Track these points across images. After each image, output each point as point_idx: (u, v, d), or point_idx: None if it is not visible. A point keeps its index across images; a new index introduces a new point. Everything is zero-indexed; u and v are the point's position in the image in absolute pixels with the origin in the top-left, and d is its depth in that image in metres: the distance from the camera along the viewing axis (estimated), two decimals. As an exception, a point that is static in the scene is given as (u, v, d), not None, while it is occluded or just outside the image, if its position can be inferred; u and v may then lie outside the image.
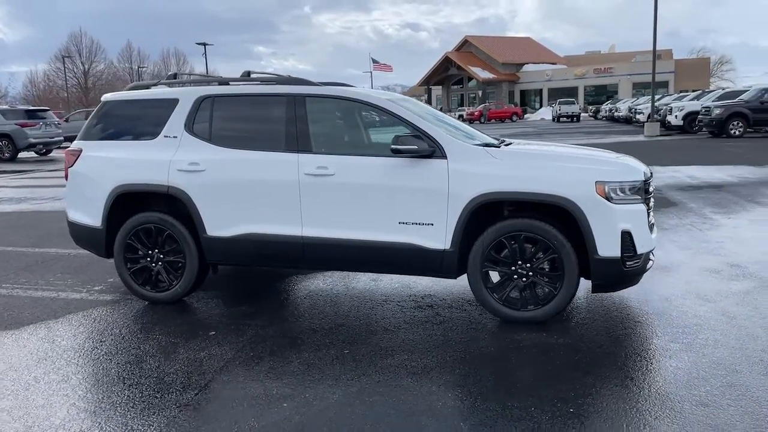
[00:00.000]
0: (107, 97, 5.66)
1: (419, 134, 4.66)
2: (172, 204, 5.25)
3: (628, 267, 4.39)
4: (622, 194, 4.38)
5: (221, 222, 5.04)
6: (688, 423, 3.11)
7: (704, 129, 25.20)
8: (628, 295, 5.06)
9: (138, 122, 5.48)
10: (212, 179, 5.02)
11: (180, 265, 5.23)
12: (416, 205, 4.63)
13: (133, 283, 5.34)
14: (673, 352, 3.96)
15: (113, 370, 3.97)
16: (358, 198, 4.75)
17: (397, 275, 5.76)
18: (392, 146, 4.60)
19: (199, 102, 5.24)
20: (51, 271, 6.54)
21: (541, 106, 69.74)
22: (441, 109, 74.91)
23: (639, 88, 65.36)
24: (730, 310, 4.68)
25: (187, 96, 5.30)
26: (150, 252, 5.29)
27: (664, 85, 65.79)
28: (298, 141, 4.93)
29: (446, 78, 76.81)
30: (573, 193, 4.34)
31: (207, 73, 59.76)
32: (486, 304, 4.64)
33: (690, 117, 27.71)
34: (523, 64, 73.54)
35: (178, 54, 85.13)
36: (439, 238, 4.60)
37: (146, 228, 5.24)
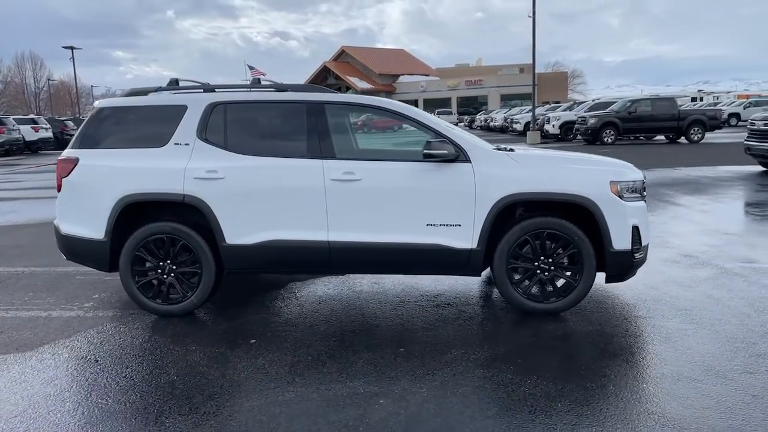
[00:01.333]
0: (103, 103, 5.42)
1: (444, 139, 4.91)
2: (187, 213, 5.12)
3: (636, 258, 4.90)
4: (630, 193, 4.88)
5: (242, 230, 5.00)
6: (744, 388, 3.58)
7: (580, 137, 27.34)
8: (619, 285, 5.57)
9: (142, 129, 5.31)
10: (232, 187, 4.97)
11: (195, 275, 5.10)
12: (444, 207, 4.87)
13: (142, 297, 5.15)
14: (692, 331, 4.49)
15: (181, 382, 3.87)
16: (386, 202, 4.91)
17: (393, 276, 5.96)
18: (425, 151, 4.82)
19: (211, 109, 5.16)
20: (18, 290, 6.09)
21: (417, 116, 71.77)
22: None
23: (506, 100, 69.27)
24: (712, 294, 5.32)
25: (196, 103, 5.21)
26: (161, 263, 5.12)
27: (529, 97, 70.11)
28: (321, 147, 5.00)
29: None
30: (592, 192, 4.78)
31: (75, 77, 56.08)
32: (511, 299, 4.96)
33: (566, 126, 30.01)
34: (399, 75, 75.58)
35: (35, 58, 79.14)
36: (467, 237, 4.87)
37: (158, 239, 5.08)
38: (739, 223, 8.53)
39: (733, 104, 44.45)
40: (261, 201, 4.98)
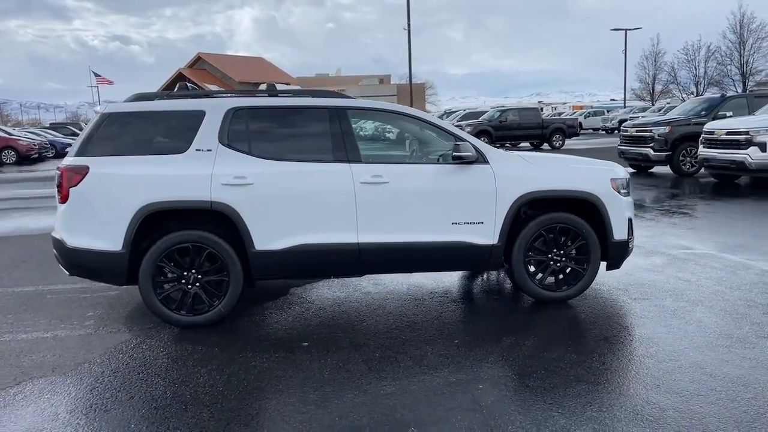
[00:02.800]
0: (111, 108, 5.15)
1: (467, 142, 5.24)
2: (212, 220, 5.02)
3: (630, 247, 5.52)
4: (623, 189, 5.49)
5: (272, 235, 5.00)
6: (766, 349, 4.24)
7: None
8: (601, 272, 6.17)
9: (157, 135, 5.13)
10: (262, 192, 4.96)
11: (221, 284, 5.02)
12: (468, 206, 5.19)
13: (164, 310, 4.97)
14: (690, 308, 5.15)
15: (279, 383, 3.86)
16: (413, 203, 5.15)
17: (393, 276, 6.20)
18: (454, 153, 5.13)
19: (231, 114, 5.11)
20: (-7, 312, 5.58)
21: (279, 125, 71.40)
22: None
23: (368, 109, 70.63)
24: (680, 276, 6.09)
25: (214, 108, 5.13)
26: (186, 273, 4.98)
27: (390, 106, 72.24)
28: (347, 151, 5.14)
29: (180, 96, 74.33)
30: (596, 189, 5.33)
31: None
32: (528, 290, 5.38)
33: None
34: (260, 84, 74.54)
35: None
36: (489, 234, 5.23)
37: (182, 248, 4.94)
38: (648, 217, 9.61)
39: (575, 114, 48.80)
40: (291, 206, 5.01)
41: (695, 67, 56.99)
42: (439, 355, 4.32)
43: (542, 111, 51.12)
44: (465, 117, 31.54)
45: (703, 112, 15.93)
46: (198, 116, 5.09)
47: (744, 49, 52.94)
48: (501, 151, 5.45)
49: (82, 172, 4.91)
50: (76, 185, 4.91)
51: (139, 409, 3.62)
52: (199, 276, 5.00)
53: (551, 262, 5.39)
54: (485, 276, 6.37)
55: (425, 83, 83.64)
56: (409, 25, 29.49)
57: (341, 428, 3.33)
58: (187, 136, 5.04)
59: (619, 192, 5.42)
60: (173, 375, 4.10)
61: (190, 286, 5.00)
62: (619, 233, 5.39)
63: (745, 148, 12.61)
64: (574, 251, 5.44)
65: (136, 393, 3.84)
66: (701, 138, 14.03)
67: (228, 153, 5.02)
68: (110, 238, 4.89)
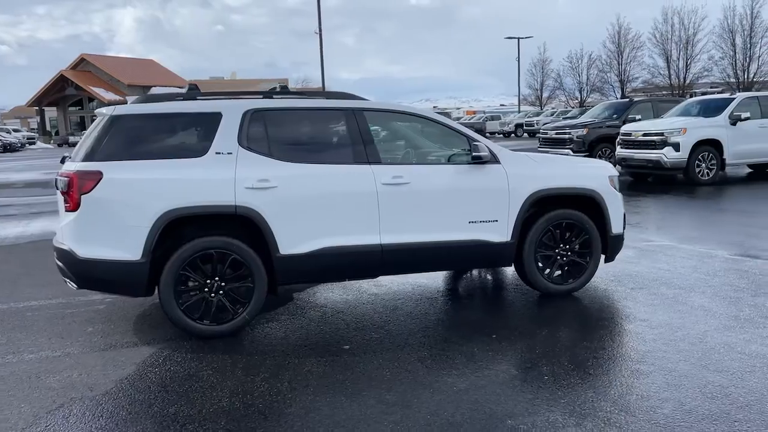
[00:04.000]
0: (121, 110, 4.86)
1: (481, 143, 5.39)
2: (236, 225, 4.87)
3: (623, 240, 5.89)
4: (618, 186, 5.85)
5: (297, 239, 4.92)
6: (772, 327, 4.69)
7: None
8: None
9: (172, 138, 4.93)
10: (286, 195, 4.88)
11: (246, 290, 4.88)
12: (483, 204, 5.35)
13: (187, 320, 4.76)
14: (685, 294, 5.56)
15: (349, 384, 3.81)
16: (433, 203, 5.24)
17: (395, 276, 6.27)
18: (474, 153, 5.27)
19: (249, 116, 4.99)
20: (-23, 333, 5.11)
21: (172, 130, 69.00)
22: (57, 133, 68.08)
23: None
24: (658, 266, 6.56)
25: (231, 110, 4.98)
26: (209, 281, 4.80)
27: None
28: (366, 153, 5.14)
29: (63, 98, 69.87)
30: (598, 186, 5.65)
31: None
32: (538, 284, 5.61)
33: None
34: (151, 87, 71.59)
35: None
36: (503, 231, 5.41)
37: (206, 255, 4.75)
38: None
39: (472, 119, 50.56)
40: (315, 208, 4.95)
41: (579, 74, 60.57)
42: (486, 350, 4.42)
43: (450, 116, 52.53)
44: None
45: (614, 116, 17.06)
46: (215, 118, 4.92)
47: (622, 57, 56.88)
48: (509, 151, 5.64)
49: (95, 177, 4.60)
50: (88, 192, 4.60)
51: (218, 421, 3.47)
52: (223, 283, 4.82)
53: (558, 257, 5.63)
54: (470, 273, 6.53)
55: (319, 88, 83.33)
56: (320, 29, 29.45)
57: (439, 426, 3.35)
58: (205, 139, 4.87)
59: (615, 188, 5.76)
60: (230, 385, 3.95)
61: (213, 295, 4.81)
62: (616, 227, 5.74)
63: (661, 148, 13.65)
64: (577, 246, 5.71)
65: (204, 406, 3.67)
66: (618, 139, 15.06)
67: (249, 156, 4.89)
68: (128, 247, 4.62)
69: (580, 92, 60.77)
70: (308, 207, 4.93)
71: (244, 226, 4.87)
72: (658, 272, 6.31)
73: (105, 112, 4.92)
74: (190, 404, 3.70)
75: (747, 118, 13.80)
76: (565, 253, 5.64)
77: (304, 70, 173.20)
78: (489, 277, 6.47)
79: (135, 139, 4.81)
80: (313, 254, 4.95)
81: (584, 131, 16.45)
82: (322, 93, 5.46)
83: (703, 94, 44.44)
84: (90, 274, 4.71)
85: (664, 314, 5.03)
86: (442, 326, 4.97)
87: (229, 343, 4.73)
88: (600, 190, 5.64)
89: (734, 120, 13.77)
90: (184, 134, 4.93)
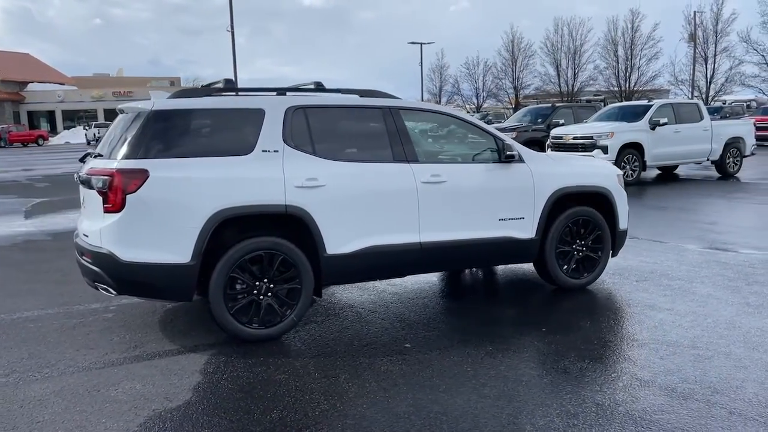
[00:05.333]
0: (160, 105, 4.58)
1: (508, 142, 5.55)
2: (284, 224, 4.73)
3: (626, 235, 6.25)
4: (623, 184, 6.20)
5: (343, 238, 4.85)
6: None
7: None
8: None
9: (216, 135, 4.72)
10: (334, 194, 4.80)
11: (293, 292, 4.75)
12: (512, 202, 5.51)
13: (237, 324, 4.57)
14: (689, 285, 5.98)
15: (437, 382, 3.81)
16: (468, 201, 5.34)
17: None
18: (507, 152, 5.41)
19: (291, 113, 4.87)
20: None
21: (54, 129, 65.00)
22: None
23: (159, 113, 67.03)
24: (646, 260, 6.99)
25: (273, 106, 4.84)
26: (258, 283, 4.64)
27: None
28: (405, 151, 5.16)
29: (-73, 94, 63.77)
30: (609, 184, 5.97)
31: None
32: (558, 279, 5.83)
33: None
34: (28, 83, 66.88)
35: None
36: (528, 228, 5.59)
37: (256, 256, 4.59)
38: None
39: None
40: (361, 207, 4.91)
41: (475, 80, 62.75)
42: (546, 342, 4.56)
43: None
44: None
45: (539, 120, 17.90)
46: (258, 115, 4.76)
47: (515, 65, 59.54)
48: (531, 150, 5.83)
49: (141, 176, 4.33)
50: (134, 192, 4.32)
51: (335, 425, 3.38)
52: (272, 285, 4.67)
53: (575, 252, 5.89)
54: (469, 271, 6.67)
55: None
56: (232, 27, 28.72)
57: (560, 417, 3.44)
58: (250, 136, 4.70)
59: (621, 186, 6.10)
60: (318, 388, 3.84)
61: (261, 297, 4.65)
62: (623, 223, 6.08)
63: (590, 151, 14.45)
64: (590, 241, 5.99)
65: (306, 410, 3.55)
66: (549, 142, 15.81)
67: (294, 154, 4.77)
68: (177, 250, 4.38)
69: (477, 98, 62.97)
70: (354, 206, 4.87)
71: (291, 225, 4.74)
72: (650, 265, 6.73)
73: (140, 107, 4.63)
74: (291, 409, 3.57)
75: (665, 123, 14.90)
76: (580, 248, 5.90)
77: (192, 69, 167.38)
78: (480, 274, 6.64)
79: (178, 136, 4.57)
80: (357, 254, 4.89)
81: (514, 135, 17.10)
82: (356, 91, 5.40)
83: (588, 101, 47.45)
84: (133, 279, 4.42)
85: (683, 303, 5.38)
86: (486, 322, 5.06)
87: (276, 346, 4.59)
88: (610, 187, 5.95)
89: (653, 125, 14.83)
90: (228, 131, 4.73)
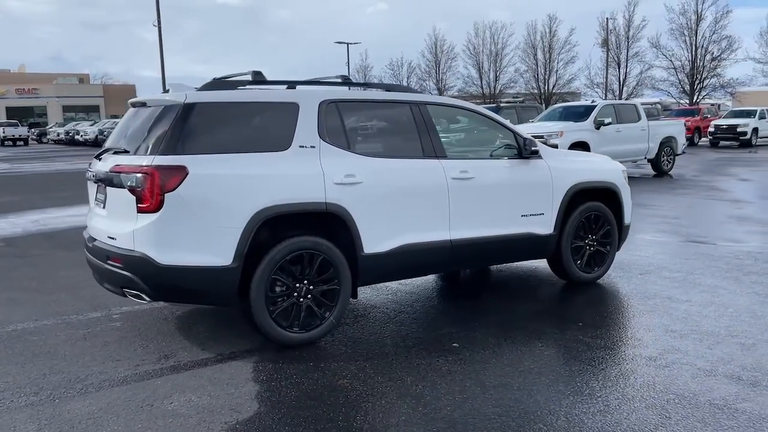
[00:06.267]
0: (195, 98, 4.28)
1: (528, 138, 5.57)
2: (323, 223, 4.54)
3: (629, 229, 6.41)
4: (627, 179, 6.35)
5: (378, 237, 4.71)
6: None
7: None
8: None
9: (252, 130, 4.47)
10: (371, 191, 4.66)
11: (331, 293, 4.57)
12: (533, 198, 5.53)
13: (278, 329, 4.34)
14: (692, 276, 6.19)
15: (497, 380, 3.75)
16: (494, 197, 5.31)
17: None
18: (532, 148, 5.42)
19: (324, 107, 4.68)
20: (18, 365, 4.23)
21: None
22: None
23: (69, 111, 64.00)
24: (637, 253, 7.20)
25: (307, 100, 4.64)
26: (298, 285, 4.43)
27: (96, 109, 66.25)
28: (434, 147, 5.07)
29: None
30: (617, 180, 6.10)
31: None
32: (572, 273, 5.89)
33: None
34: None
35: None
36: (548, 224, 5.63)
37: (296, 256, 4.38)
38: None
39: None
40: (395, 205, 4.79)
41: (400, 81, 63.17)
42: (591, 337, 4.58)
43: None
44: None
45: (485, 119, 18.13)
46: (293, 108, 4.55)
47: (439, 67, 60.46)
48: (550, 148, 5.86)
49: (180, 173, 4.03)
50: (173, 190, 4.02)
51: (430, 429, 3.25)
52: (311, 287, 4.47)
53: (587, 247, 5.97)
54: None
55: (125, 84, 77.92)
56: (159, 21, 27.61)
57: (654, 409, 3.44)
58: (287, 131, 4.48)
59: (626, 182, 6.25)
60: (388, 392, 3.68)
61: (301, 299, 4.44)
62: (627, 218, 6.23)
63: (541, 150, 14.80)
64: (600, 236, 6.09)
65: (392, 415, 3.39)
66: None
67: (330, 149, 4.58)
68: (218, 251, 4.11)
69: (402, 98, 63.29)
70: (389, 204, 4.74)
71: (328, 224, 4.55)
72: (643, 258, 6.93)
73: (170, 99, 4.31)
74: (373, 414, 3.41)
75: (609, 123, 15.48)
76: (592, 243, 5.99)
77: (98, 65, 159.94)
78: (479, 271, 6.65)
79: (215, 131, 4.29)
80: (392, 253, 4.76)
81: (462, 136, 17.28)
82: (382, 85, 5.26)
83: (508, 102, 48.80)
84: (172, 284, 4.11)
85: (697, 294, 5.56)
86: (519, 318, 5.04)
87: (319, 350, 4.40)
88: (618, 183, 6.08)
89: (598, 125, 15.37)
90: (264, 125, 4.48)
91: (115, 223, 4.26)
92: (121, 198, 4.19)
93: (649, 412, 3.38)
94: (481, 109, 5.73)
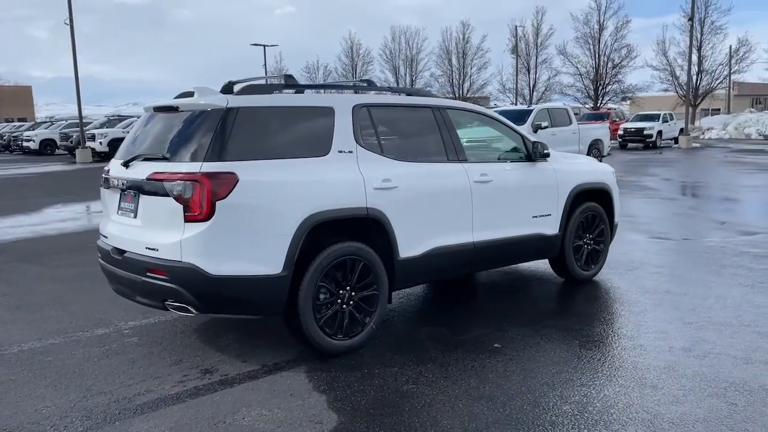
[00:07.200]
0: (236, 102, 4.11)
1: (536, 142, 5.74)
2: (363, 228, 4.49)
3: (617, 228, 6.72)
4: (616, 181, 6.65)
5: (412, 241, 4.72)
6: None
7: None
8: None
9: (293, 135, 4.37)
10: (405, 195, 4.66)
11: (371, 299, 4.54)
12: (541, 199, 5.70)
13: (324, 337, 4.27)
14: (679, 272, 6.56)
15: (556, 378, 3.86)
16: (510, 199, 5.43)
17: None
18: (544, 151, 5.59)
19: (357, 111, 4.65)
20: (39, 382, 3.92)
21: None
22: None
23: None
24: (616, 250, 7.54)
25: (341, 104, 4.59)
26: (341, 291, 4.37)
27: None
28: (456, 151, 5.15)
29: None
30: (609, 181, 6.38)
31: None
32: (573, 272, 6.10)
33: (115, 143, 28.76)
34: None
35: None
36: (554, 225, 5.82)
37: (340, 262, 4.33)
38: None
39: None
40: (426, 208, 4.81)
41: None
42: (619, 335, 4.78)
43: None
44: (110, 124, 29.37)
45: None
46: (329, 113, 4.49)
47: (356, 71, 60.66)
48: (553, 150, 6.04)
49: (230, 180, 3.88)
50: (224, 198, 3.86)
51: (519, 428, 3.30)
52: (353, 293, 4.42)
53: (585, 246, 6.21)
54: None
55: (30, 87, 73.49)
56: (71, 19, 26.16)
57: (716, 397, 3.64)
58: (325, 136, 4.41)
59: (616, 183, 6.55)
60: (461, 394, 3.69)
61: (344, 306, 4.38)
62: (617, 217, 6.53)
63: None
64: (596, 234, 6.34)
65: (479, 418, 3.41)
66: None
67: (366, 154, 4.56)
68: (267, 260, 4.00)
69: (318, 101, 63.06)
70: (421, 208, 4.76)
71: (367, 229, 4.51)
72: (623, 255, 7.25)
73: (207, 104, 4.14)
74: (458, 418, 3.41)
75: (546, 127, 16.10)
76: (589, 242, 6.23)
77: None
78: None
79: (257, 136, 4.16)
80: (423, 256, 4.78)
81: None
82: (404, 89, 5.25)
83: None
84: (221, 295, 3.94)
85: (691, 288, 5.90)
86: (538, 317, 5.15)
87: (365, 356, 4.34)
88: (611, 184, 6.37)
89: (536, 128, 15.95)
90: (303, 130, 4.38)
91: (156, 233, 4.04)
92: (163, 206, 3.98)
93: (715, 401, 3.56)
94: (492, 113, 5.85)
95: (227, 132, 3.99)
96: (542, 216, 5.66)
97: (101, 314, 5.38)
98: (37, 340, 4.79)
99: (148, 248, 4.04)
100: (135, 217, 4.25)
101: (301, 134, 4.37)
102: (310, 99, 4.57)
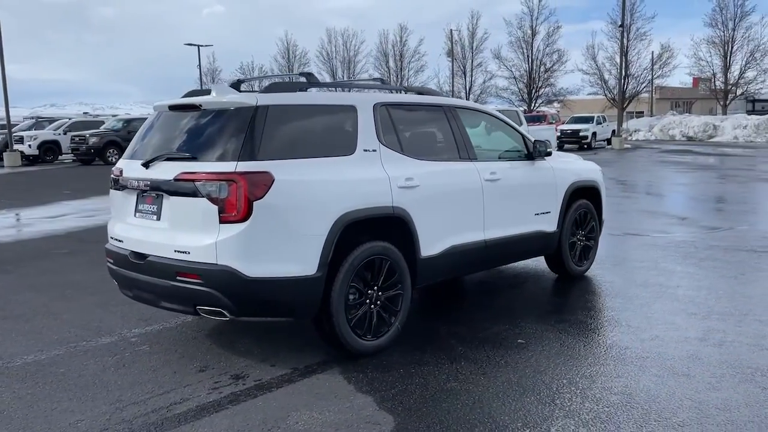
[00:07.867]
0: (266, 100, 4.00)
1: (537, 141, 5.86)
2: (388, 227, 4.46)
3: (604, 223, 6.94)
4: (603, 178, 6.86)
5: (432, 239, 4.72)
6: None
7: (76, 157, 25.89)
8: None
9: (320, 133, 4.31)
10: (426, 194, 4.66)
11: (396, 298, 4.52)
12: (542, 197, 5.82)
13: (356, 338, 4.21)
14: (665, 264, 6.83)
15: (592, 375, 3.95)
16: (515, 197, 5.52)
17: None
18: (548, 150, 5.70)
19: (378, 110, 4.62)
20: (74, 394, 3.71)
21: None
22: None
23: None
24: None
25: (362, 103, 4.56)
26: (369, 291, 4.33)
27: None
28: (467, 150, 5.20)
29: None
30: (598, 179, 6.58)
31: None
32: (570, 268, 6.24)
33: (45, 146, 27.58)
34: None
35: None
36: (553, 222, 5.95)
37: (368, 262, 4.29)
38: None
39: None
40: (444, 207, 4.83)
41: (252, 86, 61.99)
42: (635, 332, 4.92)
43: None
44: (73, 127, 28.21)
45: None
46: (352, 111, 4.44)
47: (292, 72, 60.07)
48: (552, 150, 6.17)
49: (266, 180, 3.78)
50: (260, 198, 3.76)
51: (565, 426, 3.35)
52: (380, 293, 4.38)
53: (578, 242, 6.37)
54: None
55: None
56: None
57: (748, 383, 3.80)
58: (350, 135, 4.37)
59: (603, 181, 6.75)
60: (503, 390, 3.72)
61: (372, 306, 4.34)
62: (605, 214, 6.73)
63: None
64: (587, 231, 6.51)
65: (531, 412, 3.45)
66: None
67: (388, 153, 4.54)
68: (303, 260, 3.92)
69: (254, 103, 62.17)
70: (440, 206, 4.77)
71: (391, 228, 4.48)
72: (603, 251, 7.40)
73: (237, 101, 4.02)
74: (515, 413, 3.43)
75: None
76: (582, 238, 6.40)
77: None
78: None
79: (288, 135, 4.08)
80: (441, 255, 4.79)
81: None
82: (414, 88, 5.24)
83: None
84: (258, 297, 3.84)
85: (681, 280, 6.14)
86: (556, 311, 5.28)
87: (396, 355, 4.31)
88: (600, 182, 6.56)
89: (489, 131, 16.23)
90: (330, 129, 4.32)
91: (186, 236, 3.88)
92: (193, 208, 3.83)
93: (749, 386, 3.72)
94: (496, 112, 5.93)
95: (259, 130, 3.89)
96: (543, 213, 5.78)
97: (98, 322, 5.14)
98: (39, 351, 4.53)
99: (178, 251, 3.87)
100: (158, 219, 4.07)
101: (328, 133, 4.31)
102: (334, 97, 4.50)
